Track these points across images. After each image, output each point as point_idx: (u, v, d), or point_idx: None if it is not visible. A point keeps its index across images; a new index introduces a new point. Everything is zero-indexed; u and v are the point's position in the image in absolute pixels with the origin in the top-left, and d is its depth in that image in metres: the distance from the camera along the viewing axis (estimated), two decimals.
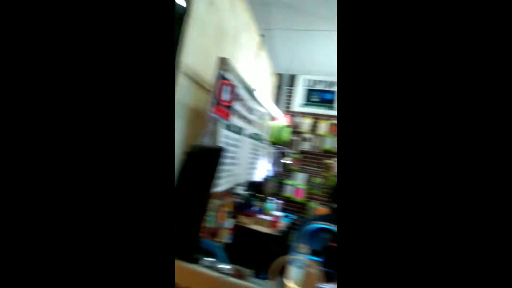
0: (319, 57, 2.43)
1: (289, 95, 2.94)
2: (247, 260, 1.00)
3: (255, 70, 2.10)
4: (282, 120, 2.63)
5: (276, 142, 2.60)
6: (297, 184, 2.75)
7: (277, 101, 2.92)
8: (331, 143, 2.70)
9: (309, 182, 2.76)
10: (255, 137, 1.94)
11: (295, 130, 2.81)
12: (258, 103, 1.90)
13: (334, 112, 2.77)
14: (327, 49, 2.18)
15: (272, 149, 2.52)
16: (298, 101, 2.91)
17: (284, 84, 2.93)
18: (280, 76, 2.94)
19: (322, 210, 2.52)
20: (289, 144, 2.77)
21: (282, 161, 2.67)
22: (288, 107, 2.91)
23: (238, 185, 1.75)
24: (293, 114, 2.89)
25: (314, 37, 2.09)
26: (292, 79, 2.94)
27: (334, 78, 2.80)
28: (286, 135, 2.65)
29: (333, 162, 2.45)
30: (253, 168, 1.97)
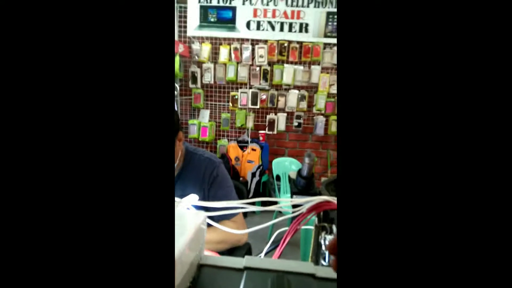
0: None
1: (183, 16, 2.23)
2: None
3: None
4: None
5: None
6: (203, 122, 2.31)
7: None
8: (234, 72, 2.20)
9: (215, 118, 2.37)
10: None
11: (194, 60, 2.27)
12: None
13: (235, 34, 2.19)
14: None
15: None
16: (192, 23, 2.19)
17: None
18: None
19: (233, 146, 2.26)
20: (188, 77, 2.29)
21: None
22: (183, 32, 2.25)
23: None
24: (188, 40, 2.27)
25: None
26: None
27: None
28: (176, 66, 2.11)
29: (238, 93, 2.20)
30: None
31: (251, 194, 2.21)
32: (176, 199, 0.39)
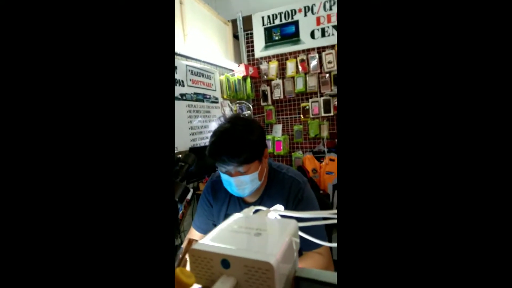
0: None
1: (250, 41, 2.43)
2: None
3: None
4: (240, 73, 2.22)
5: (239, 98, 2.24)
6: (276, 137, 2.38)
7: (238, 52, 2.46)
8: (303, 83, 2.22)
9: (288, 131, 2.40)
10: (197, 98, 1.78)
11: (263, 79, 2.39)
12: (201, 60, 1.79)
13: (300, 46, 2.24)
14: None
15: (233, 107, 2.19)
16: (258, 45, 2.39)
17: (241, 30, 2.40)
18: (234, 22, 2.40)
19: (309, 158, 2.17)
20: (259, 96, 2.42)
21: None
22: (251, 55, 2.44)
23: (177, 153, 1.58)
24: (256, 62, 2.42)
25: None
26: (249, 22, 2.37)
27: (292, 5, 2.24)
28: (248, 88, 2.29)
29: (309, 103, 2.19)
30: (197, 133, 1.79)
31: (334, 209, 2.06)
32: (263, 208, 0.39)
